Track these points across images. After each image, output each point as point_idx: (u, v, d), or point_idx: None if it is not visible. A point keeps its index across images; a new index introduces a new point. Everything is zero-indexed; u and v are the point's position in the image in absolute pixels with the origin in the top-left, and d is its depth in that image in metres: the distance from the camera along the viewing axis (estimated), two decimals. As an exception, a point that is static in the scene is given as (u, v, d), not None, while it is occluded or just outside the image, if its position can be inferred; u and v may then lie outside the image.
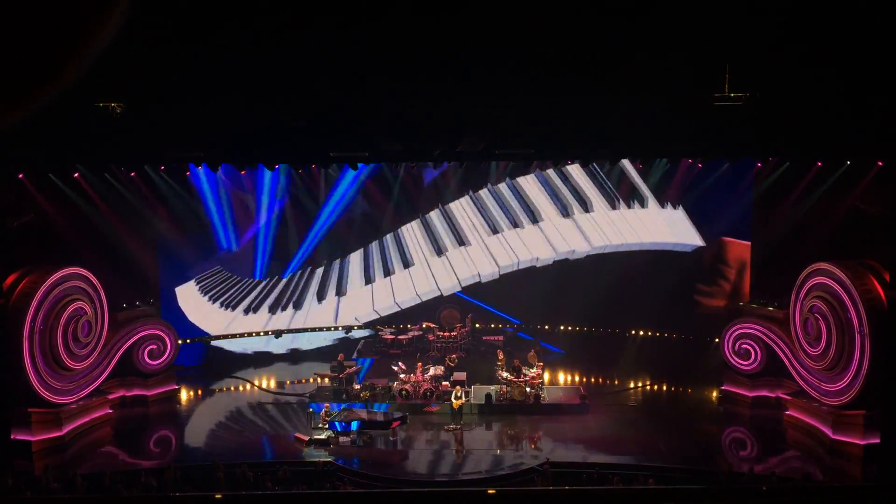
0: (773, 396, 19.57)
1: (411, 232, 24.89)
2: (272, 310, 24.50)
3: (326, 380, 20.53)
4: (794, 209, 19.48)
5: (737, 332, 20.01)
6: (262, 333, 24.52)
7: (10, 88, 1.00)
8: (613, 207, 23.85)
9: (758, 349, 19.65)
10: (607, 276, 22.92)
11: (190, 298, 23.47)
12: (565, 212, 24.09)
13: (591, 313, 23.83)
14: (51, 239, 18.91)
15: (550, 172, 24.00)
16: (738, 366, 19.95)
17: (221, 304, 24.00)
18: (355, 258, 24.93)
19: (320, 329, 24.94)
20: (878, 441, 16.27)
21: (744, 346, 19.86)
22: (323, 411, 18.12)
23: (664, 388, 21.76)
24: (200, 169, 20.90)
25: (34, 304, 17.17)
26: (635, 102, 15.52)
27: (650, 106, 15.57)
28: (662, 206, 23.36)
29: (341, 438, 17.29)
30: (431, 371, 19.86)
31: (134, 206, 20.95)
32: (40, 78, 1.02)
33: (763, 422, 18.90)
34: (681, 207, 23.03)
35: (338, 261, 24.93)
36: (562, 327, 24.66)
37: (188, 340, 23.18)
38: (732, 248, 22.06)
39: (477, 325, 24.44)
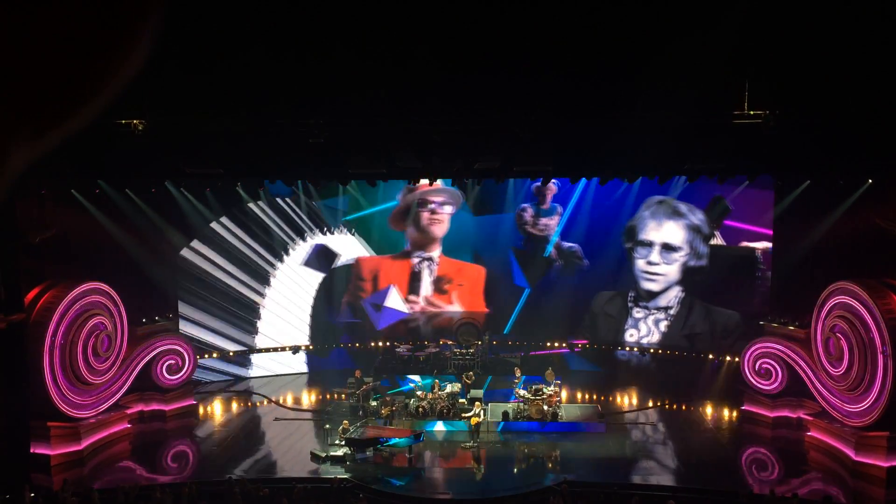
0: (795, 417, 19.34)
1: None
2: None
3: (343, 396, 20.50)
4: (814, 228, 19.32)
5: (757, 352, 19.83)
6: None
7: (41, 116, 1.01)
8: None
9: (779, 369, 19.45)
10: None
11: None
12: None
13: None
14: (72, 254, 19.10)
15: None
16: (759, 385, 19.75)
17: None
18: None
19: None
20: (902, 463, 16.00)
21: (764, 365, 19.66)
22: (340, 428, 18.09)
23: (683, 407, 21.56)
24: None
25: (55, 318, 17.32)
26: (654, 119, 15.49)
27: (669, 123, 15.52)
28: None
29: (358, 455, 17.25)
30: (448, 388, 19.81)
31: (154, 221, 21.15)
32: (70, 105, 1.03)
33: (784, 442, 18.67)
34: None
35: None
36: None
37: (206, 356, 23.28)
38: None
39: (494, 343, 24.42)
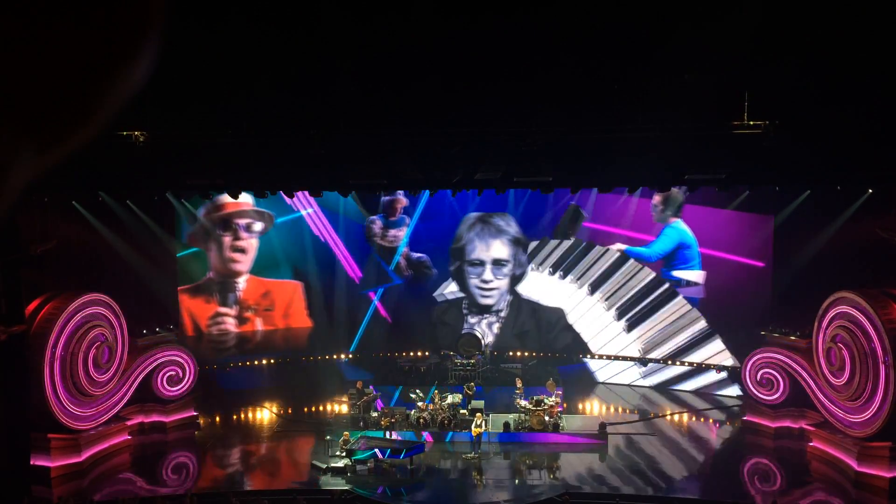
0: (797, 427, 19.28)
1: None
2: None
3: (345, 407, 20.44)
4: (815, 237, 19.33)
5: (759, 362, 19.79)
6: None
7: (44, 134, 1.01)
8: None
9: (780, 379, 19.41)
10: None
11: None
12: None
13: None
14: (73, 265, 19.11)
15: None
16: (761, 396, 19.70)
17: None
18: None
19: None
20: (904, 474, 15.94)
21: (766, 375, 19.62)
22: (341, 439, 18.04)
23: (685, 417, 21.50)
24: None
25: (56, 329, 17.31)
26: (654, 130, 15.50)
27: (669, 133, 15.53)
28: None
29: (359, 467, 17.19)
30: (449, 399, 19.76)
31: (155, 232, 21.17)
32: (72, 123, 1.03)
33: (786, 453, 18.61)
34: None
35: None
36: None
37: (206, 367, 23.22)
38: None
39: (494, 354, 24.39)
